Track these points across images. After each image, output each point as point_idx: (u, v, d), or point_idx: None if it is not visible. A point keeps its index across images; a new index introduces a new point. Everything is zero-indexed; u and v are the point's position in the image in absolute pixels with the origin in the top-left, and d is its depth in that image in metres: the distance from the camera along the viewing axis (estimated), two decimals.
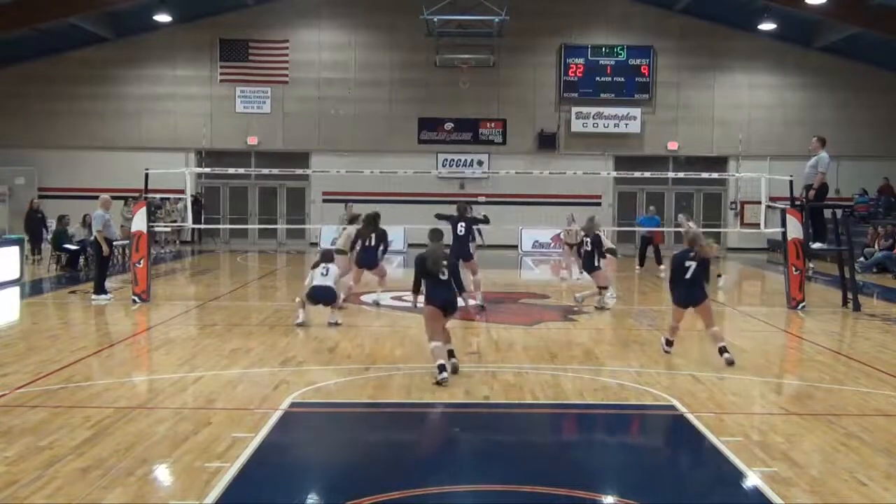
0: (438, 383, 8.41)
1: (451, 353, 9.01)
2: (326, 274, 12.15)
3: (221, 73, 30.45)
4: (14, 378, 8.61)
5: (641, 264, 22.12)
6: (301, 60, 30.52)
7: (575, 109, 30.37)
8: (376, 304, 14.42)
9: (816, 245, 15.03)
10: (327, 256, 12.65)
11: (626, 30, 30.61)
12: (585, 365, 9.72)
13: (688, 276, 9.73)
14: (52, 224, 22.93)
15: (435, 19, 27.73)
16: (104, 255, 14.89)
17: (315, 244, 29.31)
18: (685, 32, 30.34)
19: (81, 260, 20.27)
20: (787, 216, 14.71)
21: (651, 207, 24.73)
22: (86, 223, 20.36)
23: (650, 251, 21.70)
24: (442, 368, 8.53)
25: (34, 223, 23.00)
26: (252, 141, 30.37)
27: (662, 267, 21.64)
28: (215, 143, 30.26)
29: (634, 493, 5.66)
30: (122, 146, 29.70)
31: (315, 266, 12.37)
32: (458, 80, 29.48)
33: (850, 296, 14.68)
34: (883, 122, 30.17)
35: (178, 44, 30.38)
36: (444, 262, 8.95)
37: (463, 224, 14.41)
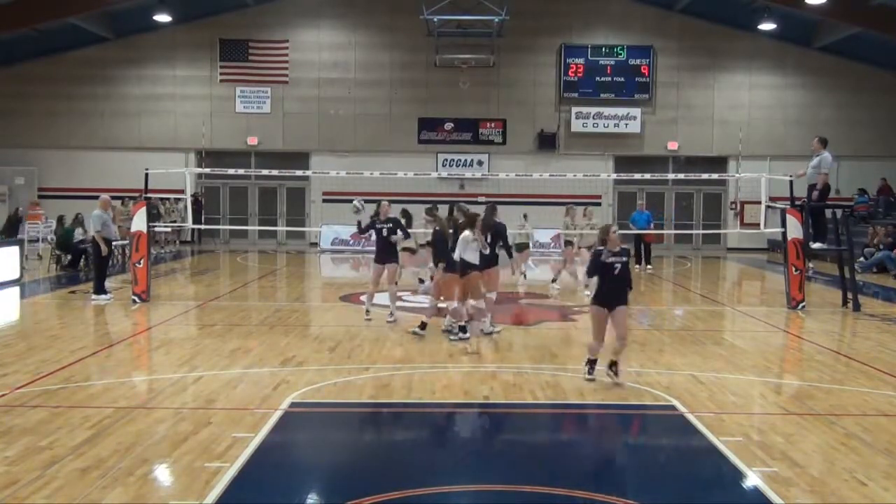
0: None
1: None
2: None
3: (221, 73, 30.43)
4: (14, 378, 8.61)
5: (639, 263, 22.04)
6: (301, 60, 30.49)
7: (575, 109, 30.34)
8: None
9: (816, 245, 15.02)
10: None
11: (626, 30, 30.59)
12: None
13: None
14: (52, 224, 22.84)
15: (435, 19, 27.70)
16: (103, 255, 14.89)
17: (315, 244, 29.36)
18: (685, 32, 30.30)
19: (81, 260, 20.23)
20: (787, 216, 14.71)
21: (640, 202, 24.23)
22: (77, 221, 20.25)
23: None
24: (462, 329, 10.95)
25: (15, 231, 22.39)
26: (252, 141, 30.34)
27: (650, 267, 22.04)
28: (215, 143, 30.22)
29: (634, 493, 5.66)
30: (121, 146, 29.68)
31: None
32: (458, 80, 29.44)
33: (850, 296, 14.68)
34: (883, 122, 30.15)
35: (178, 44, 30.35)
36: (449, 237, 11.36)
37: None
